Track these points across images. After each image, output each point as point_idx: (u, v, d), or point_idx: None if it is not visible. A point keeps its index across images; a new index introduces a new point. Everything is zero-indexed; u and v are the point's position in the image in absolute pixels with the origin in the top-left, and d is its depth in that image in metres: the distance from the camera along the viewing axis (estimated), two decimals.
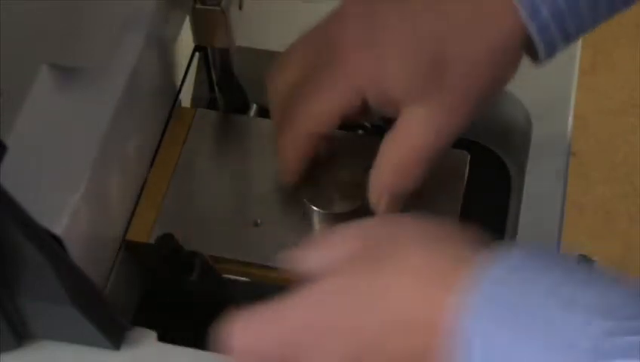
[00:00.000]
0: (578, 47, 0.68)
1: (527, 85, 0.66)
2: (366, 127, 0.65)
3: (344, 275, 0.46)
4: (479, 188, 0.62)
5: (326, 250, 0.48)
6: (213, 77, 0.69)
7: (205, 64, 0.69)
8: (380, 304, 0.44)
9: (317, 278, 0.46)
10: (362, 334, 0.44)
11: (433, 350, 0.42)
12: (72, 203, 0.53)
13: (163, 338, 0.56)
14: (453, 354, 0.40)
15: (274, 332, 0.46)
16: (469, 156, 0.63)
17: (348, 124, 0.66)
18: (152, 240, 0.60)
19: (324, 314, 0.45)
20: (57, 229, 0.51)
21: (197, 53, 0.68)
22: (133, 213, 0.61)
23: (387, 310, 0.43)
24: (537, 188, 0.61)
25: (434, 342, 0.41)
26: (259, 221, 0.61)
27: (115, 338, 0.55)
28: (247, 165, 0.64)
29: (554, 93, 0.66)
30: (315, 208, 0.60)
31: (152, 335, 0.56)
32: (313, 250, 0.49)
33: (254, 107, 0.69)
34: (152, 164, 0.63)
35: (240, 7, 0.63)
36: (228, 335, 0.47)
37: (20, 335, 0.55)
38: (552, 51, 0.51)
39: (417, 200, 0.60)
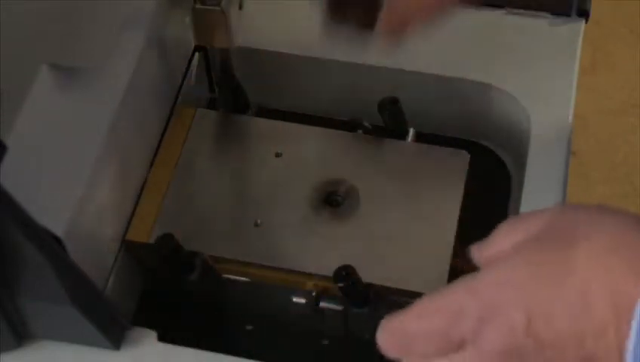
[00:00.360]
0: (578, 47, 0.68)
1: (527, 85, 0.66)
2: (366, 127, 0.65)
3: (532, 252, 0.44)
4: (479, 188, 0.62)
5: (511, 232, 0.47)
6: (213, 77, 0.69)
7: (205, 64, 0.70)
8: (570, 279, 0.43)
9: (502, 259, 0.45)
10: (544, 305, 0.43)
11: (609, 334, 0.41)
12: (72, 203, 0.53)
13: (163, 338, 0.56)
14: (629, 340, 0.40)
15: (472, 308, 0.44)
16: (469, 156, 0.63)
17: (349, 123, 0.66)
18: (152, 240, 0.60)
19: (516, 284, 0.43)
20: (57, 229, 0.51)
21: (197, 53, 0.68)
22: (133, 213, 0.61)
23: (574, 286, 0.42)
24: (537, 188, 0.61)
25: (612, 326, 0.41)
26: (259, 221, 0.61)
27: (115, 338, 0.55)
28: (247, 165, 0.64)
29: (554, 93, 0.66)
30: None
31: (152, 335, 0.56)
32: (498, 234, 0.48)
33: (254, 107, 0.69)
34: (152, 164, 0.63)
35: (240, 7, 0.63)
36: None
37: (20, 335, 0.55)
38: None
39: (417, 200, 0.61)
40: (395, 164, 0.63)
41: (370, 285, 0.58)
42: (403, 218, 0.60)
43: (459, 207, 0.60)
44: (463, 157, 0.63)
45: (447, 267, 0.58)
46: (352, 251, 0.59)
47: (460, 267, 0.60)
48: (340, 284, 0.56)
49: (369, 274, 0.57)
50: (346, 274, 0.56)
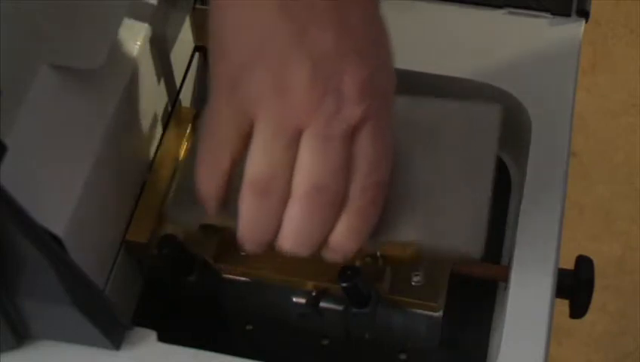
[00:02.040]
0: (578, 47, 0.68)
1: (527, 85, 0.66)
2: None
3: None
4: None
5: None
6: None
7: (205, 64, 0.69)
8: None
9: None
10: None
11: None
12: (72, 203, 0.53)
13: (163, 338, 0.56)
14: None
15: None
16: (501, 108, 0.59)
17: None
18: (152, 241, 0.60)
19: None
20: (57, 229, 0.51)
21: (197, 53, 0.68)
22: (133, 214, 0.61)
23: None
24: (537, 188, 0.61)
25: None
26: None
27: (115, 338, 0.55)
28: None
29: (554, 93, 0.66)
30: None
31: (152, 335, 0.56)
32: None
33: None
34: (152, 164, 0.63)
35: None
36: None
37: (20, 335, 0.55)
38: None
39: (451, 156, 0.58)
40: (423, 121, 0.59)
41: (372, 286, 0.58)
42: (434, 176, 0.57)
43: (494, 162, 0.57)
44: (496, 110, 0.59)
45: (484, 226, 0.55)
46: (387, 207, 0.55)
47: (459, 268, 0.61)
48: (344, 284, 0.56)
49: (402, 233, 0.55)
50: (350, 273, 0.56)
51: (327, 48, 0.47)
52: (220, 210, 0.53)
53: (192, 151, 0.60)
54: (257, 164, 0.49)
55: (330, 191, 0.49)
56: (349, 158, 0.49)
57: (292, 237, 0.50)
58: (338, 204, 0.49)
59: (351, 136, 0.48)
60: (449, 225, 0.55)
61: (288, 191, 0.49)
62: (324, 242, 0.51)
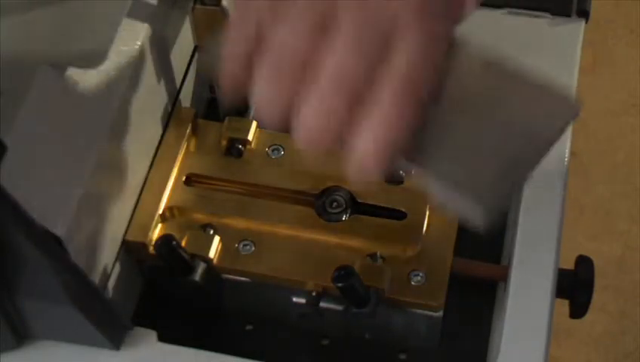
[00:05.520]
0: (578, 47, 0.68)
1: None
2: None
3: None
4: None
5: None
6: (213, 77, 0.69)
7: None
8: None
9: None
10: None
11: None
12: (72, 203, 0.53)
13: (163, 338, 0.56)
14: None
15: None
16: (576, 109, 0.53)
17: None
18: (152, 241, 0.60)
19: None
20: (57, 229, 0.51)
21: (197, 54, 0.68)
22: (133, 213, 0.61)
23: None
24: (537, 188, 0.61)
25: None
26: None
27: (115, 338, 0.55)
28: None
29: None
30: None
31: (152, 335, 0.56)
32: None
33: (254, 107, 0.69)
34: (151, 164, 0.63)
35: None
36: None
37: (20, 335, 0.55)
38: None
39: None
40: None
41: (369, 286, 0.57)
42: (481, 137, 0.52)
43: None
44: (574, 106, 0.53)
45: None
46: None
47: (459, 268, 0.61)
48: (339, 285, 0.56)
49: (432, 169, 0.50)
50: (345, 274, 0.56)
51: None
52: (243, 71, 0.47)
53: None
54: (281, 34, 0.45)
55: (356, 85, 0.44)
56: (386, 59, 0.44)
57: (306, 129, 0.45)
58: (363, 103, 0.45)
59: (392, 35, 0.44)
60: (471, 191, 0.50)
61: (311, 74, 0.44)
62: (346, 143, 0.46)
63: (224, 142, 0.64)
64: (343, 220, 0.61)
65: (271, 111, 0.46)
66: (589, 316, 0.65)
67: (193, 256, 0.59)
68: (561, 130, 0.53)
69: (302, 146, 0.46)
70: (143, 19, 0.60)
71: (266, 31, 0.45)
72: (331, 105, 0.44)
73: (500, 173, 0.51)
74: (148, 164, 0.63)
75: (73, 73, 0.56)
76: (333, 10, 0.44)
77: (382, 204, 0.61)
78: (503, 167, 0.51)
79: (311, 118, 0.45)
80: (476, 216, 0.49)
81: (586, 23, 0.70)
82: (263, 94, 0.46)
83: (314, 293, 0.59)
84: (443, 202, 0.50)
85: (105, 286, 0.59)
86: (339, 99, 0.44)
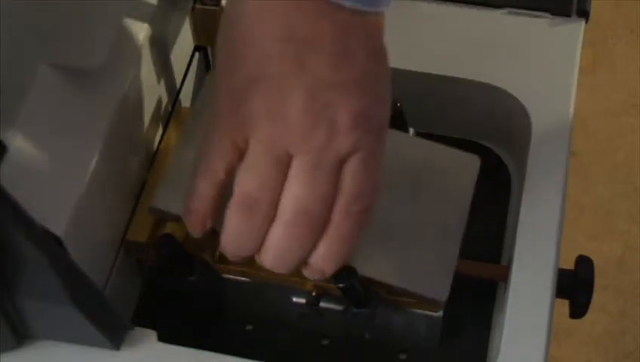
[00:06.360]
0: (578, 47, 0.68)
1: (527, 85, 0.66)
2: None
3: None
4: (479, 188, 0.62)
5: None
6: None
7: (205, 64, 0.70)
8: None
9: None
10: None
11: None
12: (72, 203, 0.53)
13: (163, 338, 0.56)
14: None
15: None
16: (479, 162, 0.61)
17: None
18: (151, 241, 0.60)
19: None
20: (57, 229, 0.51)
21: (197, 53, 0.68)
22: (133, 213, 0.61)
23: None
24: (537, 188, 0.61)
25: None
26: None
27: (115, 338, 0.55)
28: None
29: (554, 93, 0.66)
30: None
31: (152, 335, 0.56)
32: None
33: None
34: (151, 164, 0.63)
35: None
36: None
37: (20, 335, 0.55)
38: None
39: (427, 200, 0.59)
40: (403, 157, 0.61)
41: (370, 286, 0.57)
42: (410, 217, 0.59)
43: (467, 213, 0.60)
44: (473, 162, 0.61)
45: (451, 274, 0.58)
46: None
47: (459, 268, 0.60)
48: (340, 285, 0.56)
49: (370, 269, 0.57)
50: (346, 274, 0.56)
51: (324, 76, 0.47)
52: (208, 216, 0.53)
53: (184, 144, 0.61)
54: (247, 181, 0.50)
55: (314, 216, 0.50)
56: (337, 185, 0.49)
57: (272, 256, 0.51)
58: (321, 228, 0.50)
59: (340, 164, 0.49)
60: (418, 272, 0.57)
61: (274, 211, 0.50)
62: (304, 262, 0.52)
63: None
64: None
65: (239, 246, 0.51)
66: (589, 316, 0.65)
67: (193, 256, 0.59)
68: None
69: (269, 267, 0.52)
70: (142, 20, 0.60)
71: (231, 173, 0.51)
72: (295, 231, 0.50)
73: (438, 262, 0.58)
74: (148, 164, 0.63)
75: (73, 73, 0.56)
76: (289, 152, 0.49)
77: None
78: (438, 252, 0.58)
79: (277, 242, 0.50)
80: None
81: (586, 23, 0.70)
82: (232, 232, 0.51)
83: (314, 293, 0.59)
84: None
85: (105, 286, 0.59)
86: (301, 234, 0.50)
